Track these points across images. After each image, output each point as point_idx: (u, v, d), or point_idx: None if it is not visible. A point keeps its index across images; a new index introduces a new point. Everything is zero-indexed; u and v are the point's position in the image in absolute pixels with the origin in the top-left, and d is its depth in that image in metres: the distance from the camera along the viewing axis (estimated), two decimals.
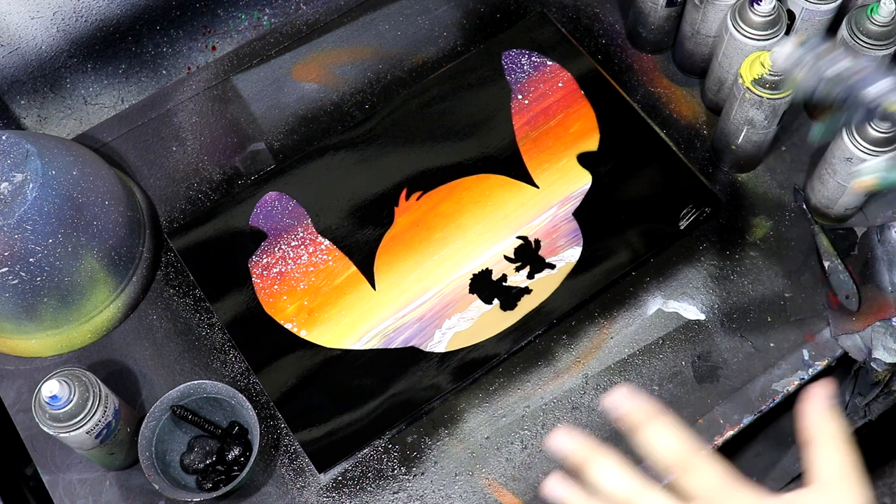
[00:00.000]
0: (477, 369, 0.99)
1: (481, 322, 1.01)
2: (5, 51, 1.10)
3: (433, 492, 0.95)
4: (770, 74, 0.96)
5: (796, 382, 0.99)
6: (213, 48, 1.26)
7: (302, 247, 1.06)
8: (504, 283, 1.03)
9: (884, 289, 1.02)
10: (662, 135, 1.11)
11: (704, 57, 1.10)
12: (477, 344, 1.00)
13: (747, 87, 0.97)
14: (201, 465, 0.96)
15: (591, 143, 1.10)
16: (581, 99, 1.13)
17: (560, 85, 1.14)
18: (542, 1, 1.21)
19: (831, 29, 1.05)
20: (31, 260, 0.93)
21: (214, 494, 0.91)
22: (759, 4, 0.98)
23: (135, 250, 1.03)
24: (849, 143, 0.95)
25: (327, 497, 0.96)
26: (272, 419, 0.99)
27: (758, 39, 0.99)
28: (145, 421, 0.92)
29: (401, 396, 0.98)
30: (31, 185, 0.93)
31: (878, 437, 1.28)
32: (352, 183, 1.09)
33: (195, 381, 0.94)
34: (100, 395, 0.87)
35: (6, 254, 0.92)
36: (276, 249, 1.06)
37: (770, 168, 1.10)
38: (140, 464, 0.91)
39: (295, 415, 0.98)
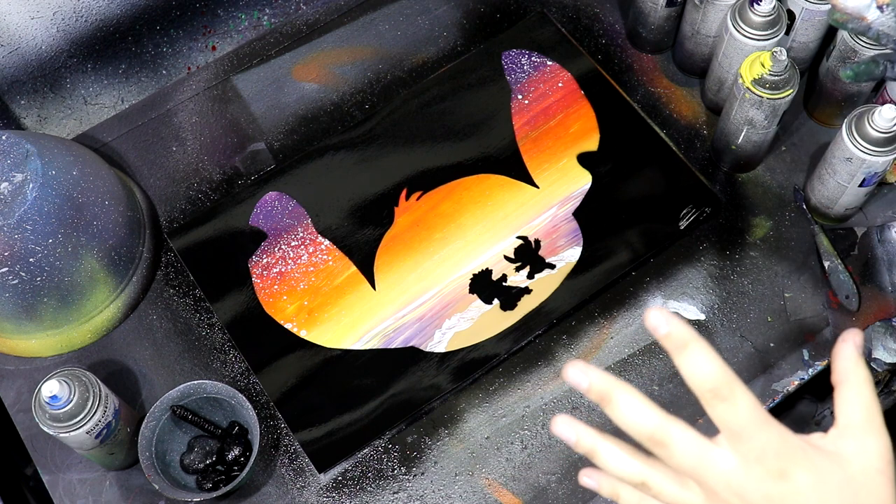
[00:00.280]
0: (477, 369, 0.99)
1: (481, 322, 1.01)
2: (5, 51, 1.10)
3: (433, 492, 0.95)
4: (770, 74, 0.96)
5: (796, 382, 0.99)
6: (213, 48, 1.26)
7: (302, 247, 1.06)
8: (504, 283, 1.03)
9: (884, 289, 1.02)
10: (662, 135, 1.11)
11: (704, 57, 1.10)
12: (477, 344, 1.00)
13: (747, 87, 0.97)
14: (201, 465, 0.96)
15: (591, 143, 1.10)
16: (581, 99, 1.13)
17: (560, 85, 1.14)
18: (542, 1, 1.21)
19: (831, 29, 1.05)
20: (31, 260, 0.93)
21: (214, 494, 0.91)
22: (759, 4, 0.98)
23: (135, 250, 1.03)
24: (849, 144, 0.95)
25: (327, 497, 0.96)
26: (272, 419, 0.99)
27: (758, 39, 0.99)
28: (145, 421, 0.92)
29: (401, 396, 0.98)
30: (31, 185, 0.93)
31: None
32: (352, 183, 1.09)
33: (195, 381, 0.94)
34: (100, 395, 0.87)
35: (6, 254, 0.92)
36: (276, 249, 1.06)
37: (770, 168, 1.10)
38: (140, 464, 0.91)
39: (295, 415, 0.98)
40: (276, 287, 1.04)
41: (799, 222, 1.07)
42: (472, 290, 1.03)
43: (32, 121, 1.19)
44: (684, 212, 1.06)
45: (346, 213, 1.08)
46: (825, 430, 0.52)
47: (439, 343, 1.00)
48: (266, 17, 1.27)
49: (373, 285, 1.04)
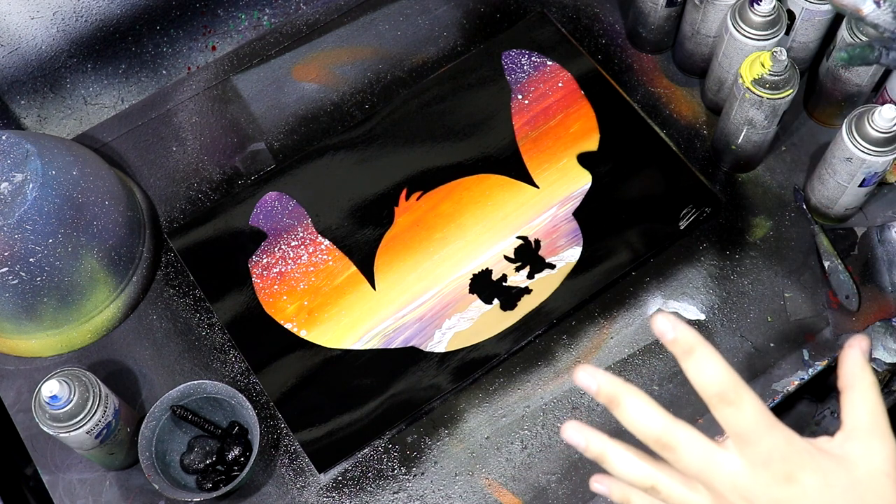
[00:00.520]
0: (477, 369, 0.99)
1: (481, 322, 1.01)
2: (5, 51, 1.10)
3: (433, 492, 0.95)
4: (770, 74, 0.96)
5: (796, 382, 0.99)
6: (213, 48, 1.26)
7: (302, 247, 1.06)
8: (504, 283, 1.03)
9: (884, 289, 1.02)
10: (662, 135, 1.11)
11: (704, 57, 1.10)
12: (477, 344, 1.00)
13: (747, 87, 0.97)
14: (201, 465, 0.96)
15: (591, 143, 1.10)
16: (581, 99, 1.13)
17: (560, 85, 1.14)
18: (542, 1, 1.21)
19: (831, 29, 1.05)
20: (31, 260, 0.93)
21: (214, 494, 0.91)
22: (759, 4, 0.98)
23: (135, 250, 1.03)
24: (849, 144, 0.95)
25: (327, 497, 0.96)
26: (272, 419, 0.99)
27: (758, 39, 0.99)
28: (145, 421, 0.92)
29: (401, 396, 0.98)
30: (31, 185, 0.93)
31: None
32: (352, 183, 1.09)
33: (195, 381, 0.94)
34: (100, 395, 0.87)
35: (6, 254, 0.92)
36: (276, 249, 1.06)
37: (770, 168, 1.10)
38: (140, 464, 0.91)
39: (295, 415, 0.98)
40: (276, 287, 1.04)
41: (799, 222, 1.07)
42: (472, 290, 1.03)
43: (32, 121, 1.19)
44: (684, 212, 1.06)
45: (346, 213, 1.08)
46: (825, 430, 0.52)
47: (439, 343, 1.00)
48: (266, 17, 1.27)
49: (373, 285, 1.04)
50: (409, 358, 1.00)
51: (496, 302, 1.02)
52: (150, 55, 1.22)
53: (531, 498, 0.95)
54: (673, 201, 1.07)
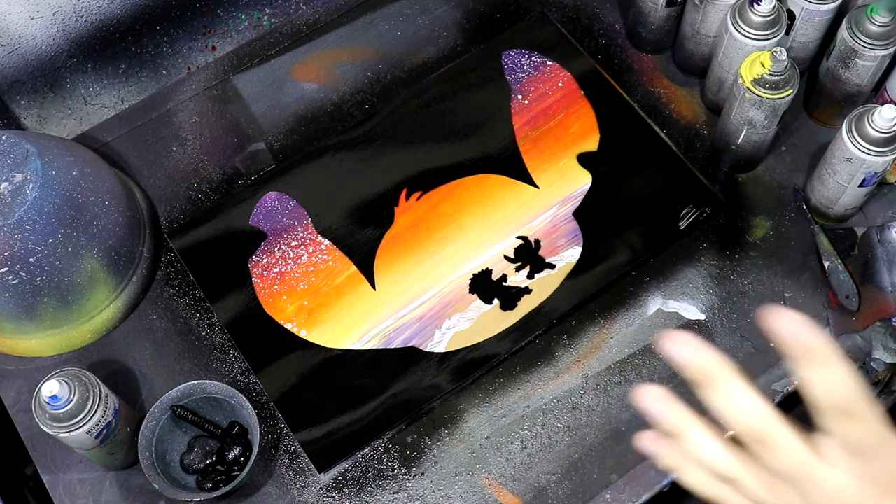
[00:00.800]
0: (477, 369, 0.99)
1: (481, 322, 1.01)
2: (5, 51, 1.10)
3: (433, 492, 0.95)
4: (770, 74, 0.96)
5: (796, 382, 0.99)
6: (213, 48, 1.26)
7: (302, 247, 1.06)
8: (504, 283, 1.03)
9: (884, 289, 1.02)
10: (662, 135, 1.11)
11: (704, 57, 1.10)
12: (477, 344, 1.00)
13: (747, 87, 0.97)
14: (201, 465, 0.96)
15: (591, 143, 1.10)
16: (581, 99, 1.13)
17: (560, 85, 1.14)
18: (542, 1, 1.21)
19: (831, 29, 1.05)
20: (31, 260, 0.93)
21: (214, 494, 0.91)
22: (759, 4, 0.98)
23: (135, 250, 1.03)
24: (849, 144, 0.95)
25: (327, 497, 0.96)
26: (272, 419, 0.99)
27: (758, 39, 0.99)
28: (145, 421, 0.92)
29: (401, 396, 0.98)
30: (31, 185, 0.93)
31: None
32: (352, 183, 1.09)
33: (195, 381, 0.94)
34: (100, 395, 0.87)
35: (6, 254, 0.92)
36: (276, 249, 1.06)
37: (770, 168, 1.10)
38: (140, 464, 0.91)
39: (295, 415, 0.98)
40: (276, 287, 1.04)
41: (799, 222, 1.07)
42: (472, 290, 1.03)
43: (32, 121, 1.19)
44: (684, 212, 1.06)
45: (346, 213, 1.08)
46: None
47: (439, 343, 1.00)
48: (266, 17, 1.27)
49: (373, 285, 1.04)
50: (409, 358, 1.00)
51: (496, 302, 1.02)
52: (150, 55, 1.22)
53: (531, 498, 0.95)
54: (673, 201, 1.07)
